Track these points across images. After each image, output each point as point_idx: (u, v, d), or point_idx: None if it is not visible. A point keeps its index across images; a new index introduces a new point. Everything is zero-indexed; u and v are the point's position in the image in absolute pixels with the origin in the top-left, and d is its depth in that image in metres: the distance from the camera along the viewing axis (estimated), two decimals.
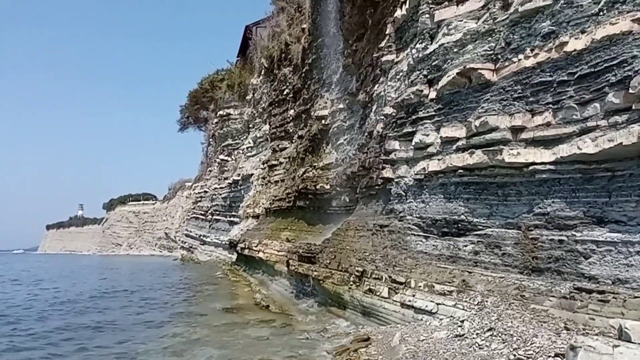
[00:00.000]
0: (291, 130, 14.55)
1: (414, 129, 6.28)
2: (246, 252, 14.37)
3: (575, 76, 4.24)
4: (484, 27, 5.16)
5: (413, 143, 6.28)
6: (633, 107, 3.80)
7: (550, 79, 4.50)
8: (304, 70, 13.08)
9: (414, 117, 6.29)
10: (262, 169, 17.13)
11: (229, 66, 22.94)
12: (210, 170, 24.86)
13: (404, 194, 6.62)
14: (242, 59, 21.79)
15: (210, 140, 24.67)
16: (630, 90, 3.75)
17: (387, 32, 7.21)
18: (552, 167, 4.50)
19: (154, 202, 47.01)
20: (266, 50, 16.74)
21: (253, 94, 18.98)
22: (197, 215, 26.31)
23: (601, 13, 4.03)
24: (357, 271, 6.70)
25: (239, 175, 19.85)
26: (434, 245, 5.86)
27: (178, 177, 39.49)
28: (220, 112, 22.05)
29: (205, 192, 25.00)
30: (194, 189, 28.40)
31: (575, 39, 4.25)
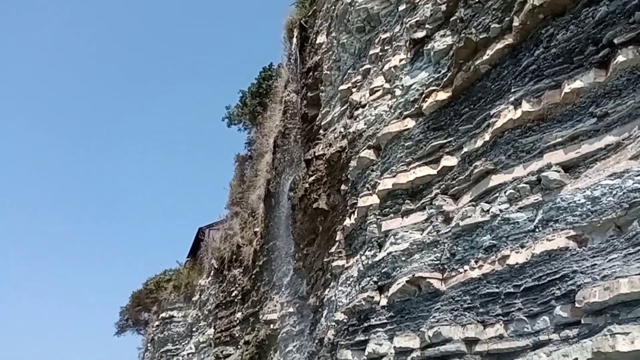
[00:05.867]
0: (237, 335, 13.81)
1: (367, 337, 6.04)
2: None
3: (521, 288, 4.33)
4: (429, 238, 5.38)
5: (366, 353, 5.98)
6: (582, 322, 3.81)
7: (497, 290, 4.57)
8: (254, 271, 13.00)
9: (366, 324, 6.11)
10: None
11: (178, 266, 22.57)
12: None
13: None
14: (192, 259, 21.61)
15: (149, 345, 22.89)
16: (577, 305, 3.81)
17: (337, 239, 7.42)
18: None
19: None
20: (217, 251, 16.77)
21: (200, 295, 18.40)
22: None
23: (537, 230, 4.29)
24: None
25: None
26: None
27: None
28: (163, 315, 20.93)
29: None
30: None
31: (516, 252, 4.44)
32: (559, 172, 4.18)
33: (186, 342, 19.47)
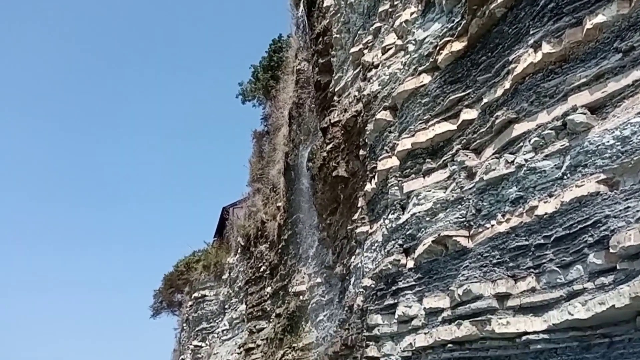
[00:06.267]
0: (268, 309, 13.97)
1: (396, 301, 5.99)
2: None
3: (552, 239, 4.18)
4: (453, 196, 5.24)
5: (396, 316, 5.94)
6: (617, 267, 3.67)
7: (526, 243, 4.43)
8: (280, 246, 13.05)
9: (394, 287, 6.05)
10: (238, 353, 15.99)
11: (206, 247, 22.89)
12: (182, 359, 23.12)
13: None
14: (219, 239, 21.88)
15: (184, 325, 23.41)
16: (611, 250, 3.66)
17: (359, 205, 7.33)
18: (545, 336, 4.18)
19: None
20: (242, 229, 16.90)
21: (229, 272, 18.65)
22: None
23: (565, 177, 4.12)
24: None
25: None
26: None
27: None
28: (195, 294, 21.31)
29: None
30: None
31: (545, 202, 4.28)
32: (585, 114, 3.97)
33: (220, 319, 19.82)
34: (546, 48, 4.20)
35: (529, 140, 4.41)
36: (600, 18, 3.86)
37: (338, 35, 7.94)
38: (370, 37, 6.95)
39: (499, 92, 4.71)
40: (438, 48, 5.36)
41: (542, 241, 4.27)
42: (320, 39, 8.51)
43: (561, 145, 4.15)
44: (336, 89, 8.16)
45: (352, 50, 7.38)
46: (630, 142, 3.66)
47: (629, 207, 3.64)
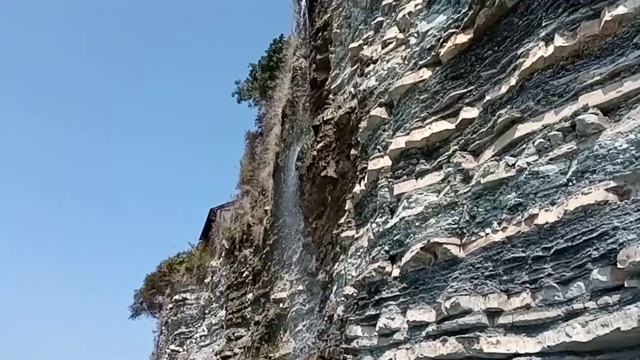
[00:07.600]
0: (248, 317, 13.53)
1: (378, 312, 5.57)
2: None
3: (552, 252, 3.79)
4: (446, 200, 4.86)
5: (377, 328, 5.52)
6: (625, 285, 3.28)
7: (523, 254, 4.04)
8: (264, 251, 12.66)
9: (376, 297, 5.64)
10: None
11: (190, 248, 22.42)
12: None
13: None
14: (205, 241, 21.44)
15: (163, 328, 22.84)
16: (619, 266, 3.27)
17: (346, 208, 6.95)
18: (538, 359, 3.78)
19: None
20: (228, 231, 16.51)
21: (212, 276, 18.19)
22: None
23: (570, 183, 3.75)
24: None
25: None
26: None
27: None
28: (176, 297, 20.81)
29: None
30: None
31: (546, 211, 3.90)
32: (597, 114, 3.61)
33: (199, 324, 19.33)
34: (559, 41, 3.84)
35: (533, 142, 4.04)
36: (620, 10, 3.51)
37: (338, 31, 7.61)
38: (371, 33, 6.61)
39: (504, 89, 4.35)
40: (441, 41, 5.01)
41: (540, 253, 3.88)
42: (320, 34, 8.19)
43: (568, 149, 3.78)
44: (332, 87, 7.82)
45: (352, 45, 7.04)
46: None
47: None
